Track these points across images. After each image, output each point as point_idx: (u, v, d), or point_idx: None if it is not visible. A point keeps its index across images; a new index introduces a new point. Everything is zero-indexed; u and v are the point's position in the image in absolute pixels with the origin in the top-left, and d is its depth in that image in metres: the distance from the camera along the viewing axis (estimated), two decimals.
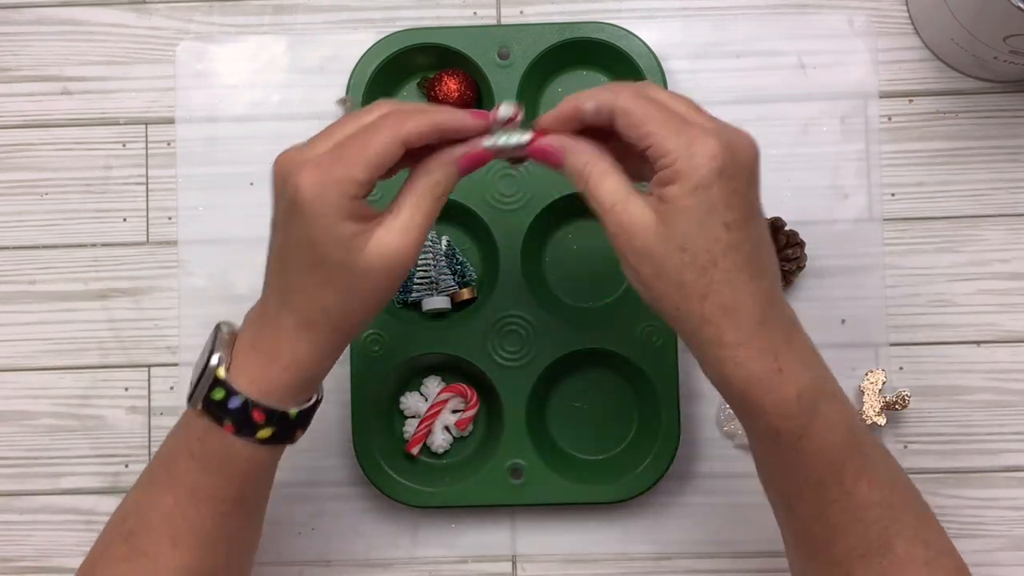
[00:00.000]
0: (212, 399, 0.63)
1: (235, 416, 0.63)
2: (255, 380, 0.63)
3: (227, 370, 0.63)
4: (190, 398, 0.64)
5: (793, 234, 0.80)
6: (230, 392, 0.62)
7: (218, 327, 0.65)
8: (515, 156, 0.64)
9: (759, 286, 0.59)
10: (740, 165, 0.59)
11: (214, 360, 0.63)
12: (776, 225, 0.80)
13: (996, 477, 0.81)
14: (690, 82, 0.83)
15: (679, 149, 0.58)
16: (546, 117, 0.63)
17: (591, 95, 0.61)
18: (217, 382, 0.63)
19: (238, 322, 0.65)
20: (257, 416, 0.63)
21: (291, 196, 0.59)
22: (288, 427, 0.64)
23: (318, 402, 0.66)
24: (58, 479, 0.83)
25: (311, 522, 0.82)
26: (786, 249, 0.79)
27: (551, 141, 0.62)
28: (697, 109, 0.61)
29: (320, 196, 0.59)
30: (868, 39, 0.83)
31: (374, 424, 0.80)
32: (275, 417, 0.63)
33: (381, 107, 0.62)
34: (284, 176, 0.60)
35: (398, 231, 0.60)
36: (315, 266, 0.60)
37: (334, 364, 0.65)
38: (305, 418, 0.65)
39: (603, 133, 0.62)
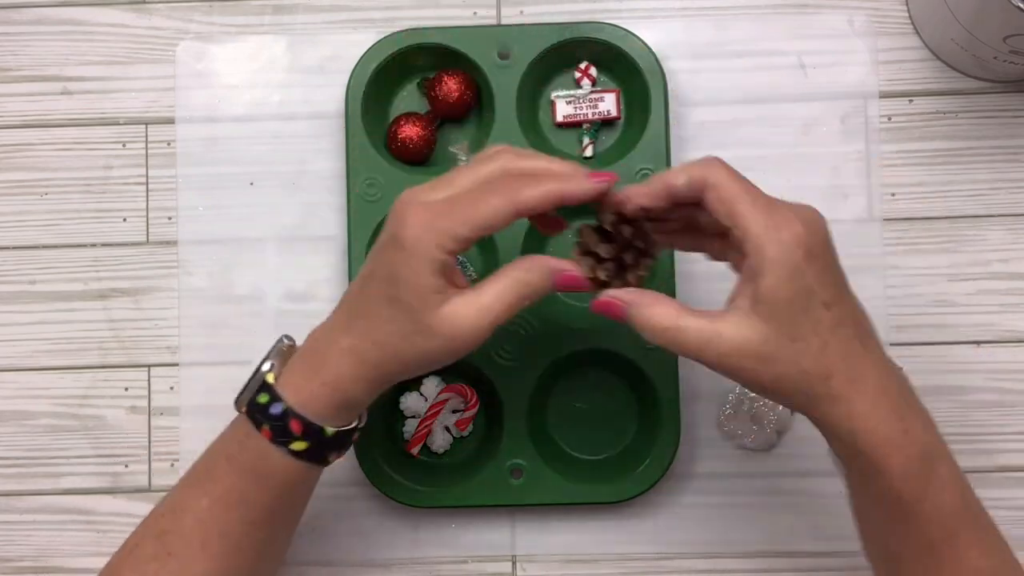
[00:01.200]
0: (256, 402, 0.65)
1: (274, 422, 0.64)
2: (298, 390, 0.64)
3: (276, 377, 0.65)
4: (237, 399, 0.66)
5: (641, 232, 0.65)
6: (273, 398, 0.64)
7: (280, 338, 0.67)
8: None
9: (873, 352, 0.61)
10: (821, 240, 0.60)
11: (265, 366, 0.65)
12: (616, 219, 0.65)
13: (996, 477, 0.81)
14: (690, 82, 0.83)
15: (766, 235, 0.58)
16: (637, 192, 0.63)
17: (680, 172, 0.62)
18: (264, 387, 0.65)
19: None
20: (295, 426, 0.64)
21: (394, 230, 0.61)
22: (323, 444, 0.65)
23: (355, 429, 0.67)
24: (58, 479, 0.83)
25: (311, 522, 0.82)
26: (625, 252, 0.65)
27: (611, 299, 0.63)
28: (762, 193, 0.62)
29: (419, 239, 0.60)
30: (868, 39, 0.83)
31: (374, 424, 0.79)
32: (311, 431, 0.64)
33: (500, 156, 0.63)
34: (397, 209, 0.62)
35: (475, 310, 0.61)
36: (390, 301, 0.62)
37: (372, 398, 0.66)
38: (341, 441, 0.66)
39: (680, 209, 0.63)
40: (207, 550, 0.65)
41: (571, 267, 0.64)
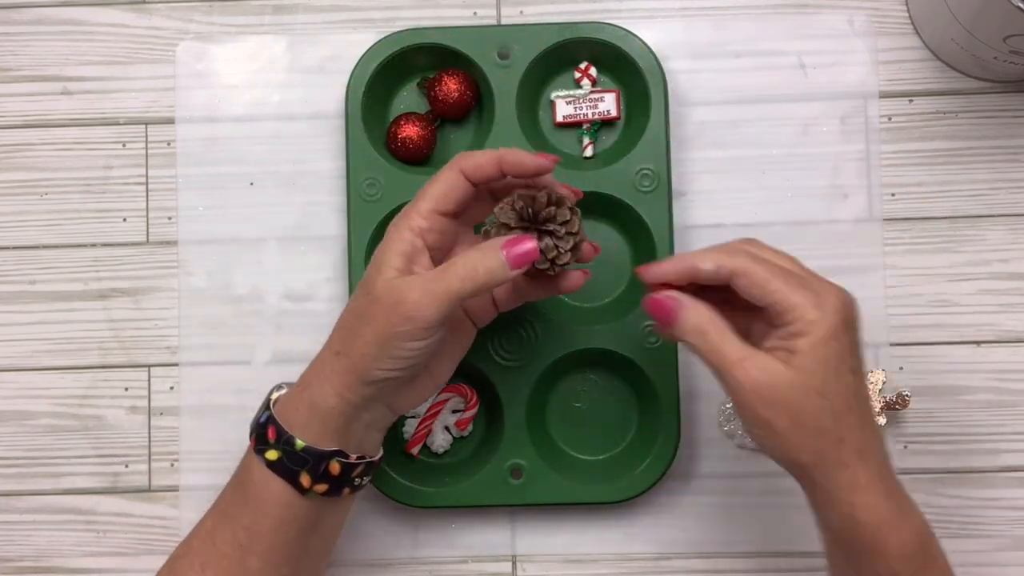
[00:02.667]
0: (257, 416, 0.66)
1: (259, 431, 0.65)
2: (283, 399, 0.66)
3: (278, 397, 0.66)
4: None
5: (560, 200, 0.67)
6: (266, 409, 0.66)
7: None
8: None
9: (876, 430, 0.64)
10: (853, 315, 0.63)
11: (275, 388, 0.67)
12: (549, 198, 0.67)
13: (996, 477, 0.81)
14: (690, 82, 0.83)
15: (806, 304, 0.61)
16: (658, 268, 0.65)
17: (707, 255, 0.64)
18: (267, 403, 0.66)
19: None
20: (271, 432, 0.65)
21: None
22: (293, 458, 0.64)
23: (333, 455, 0.65)
24: (58, 479, 0.83)
25: None
26: (550, 223, 0.67)
27: (666, 297, 0.64)
28: (800, 265, 0.65)
29: (395, 224, 0.65)
30: (868, 39, 0.83)
31: None
32: (282, 438, 0.64)
33: None
34: None
35: (422, 281, 0.63)
36: (359, 297, 0.64)
37: (346, 408, 0.64)
38: (314, 461, 0.64)
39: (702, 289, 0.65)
40: (206, 573, 0.66)
41: (516, 237, 0.65)
